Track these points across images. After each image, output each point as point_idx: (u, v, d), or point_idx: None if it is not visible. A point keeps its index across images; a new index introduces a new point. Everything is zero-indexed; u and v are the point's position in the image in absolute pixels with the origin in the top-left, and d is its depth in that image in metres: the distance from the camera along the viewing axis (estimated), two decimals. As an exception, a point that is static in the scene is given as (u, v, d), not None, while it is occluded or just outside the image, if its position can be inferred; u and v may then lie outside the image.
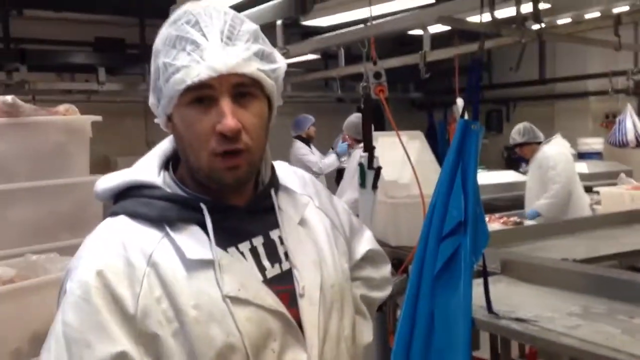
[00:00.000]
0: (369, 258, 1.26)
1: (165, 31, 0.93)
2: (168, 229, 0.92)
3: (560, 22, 3.53)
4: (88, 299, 0.87)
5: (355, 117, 4.83)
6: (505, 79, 6.76)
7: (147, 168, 1.00)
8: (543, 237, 3.27)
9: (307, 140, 5.83)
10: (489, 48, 6.35)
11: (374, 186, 2.59)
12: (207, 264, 0.91)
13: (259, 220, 1.00)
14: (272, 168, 1.07)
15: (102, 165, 6.75)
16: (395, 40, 6.40)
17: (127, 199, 0.97)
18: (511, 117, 7.76)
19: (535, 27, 2.62)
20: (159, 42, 0.93)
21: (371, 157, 2.60)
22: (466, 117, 2.80)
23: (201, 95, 0.89)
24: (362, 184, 2.59)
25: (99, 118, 2.24)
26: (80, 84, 6.58)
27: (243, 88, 0.91)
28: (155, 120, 0.99)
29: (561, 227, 3.50)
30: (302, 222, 1.05)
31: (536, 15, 2.14)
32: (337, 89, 5.27)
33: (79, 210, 2.20)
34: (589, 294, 2.12)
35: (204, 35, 0.89)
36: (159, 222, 0.93)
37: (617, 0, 4.60)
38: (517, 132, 4.48)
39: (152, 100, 0.97)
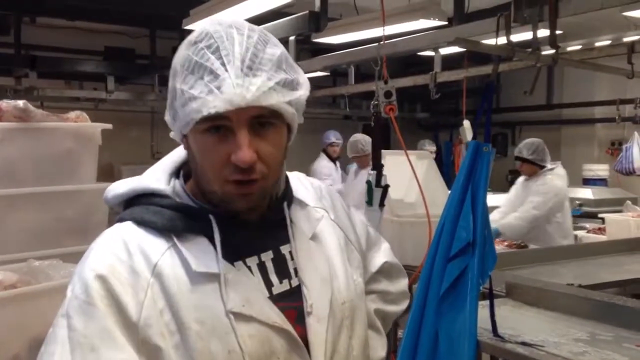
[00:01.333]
0: (385, 271, 1.24)
1: (184, 52, 0.90)
2: (175, 239, 0.91)
3: (570, 48, 3.55)
4: (92, 303, 0.86)
5: (353, 137, 4.90)
6: (513, 102, 6.78)
7: (158, 176, 0.99)
8: (547, 261, 3.25)
9: (331, 156, 5.89)
10: (498, 72, 6.39)
11: (381, 204, 2.58)
12: (213, 277, 0.90)
13: (269, 234, 0.99)
14: (287, 180, 1.05)
15: (106, 174, 6.76)
16: (402, 61, 6.43)
17: (135, 206, 0.96)
18: (517, 141, 7.75)
19: (548, 52, 2.63)
20: (177, 62, 0.91)
21: (379, 175, 2.59)
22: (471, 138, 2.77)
23: (217, 125, 0.88)
24: (369, 201, 2.59)
25: (109, 126, 2.25)
26: (89, 92, 6.62)
27: (262, 119, 0.89)
28: (171, 135, 0.98)
29: (566, 251, 3.48)
30: (315, 237, 1.03)
31: (552, 40, 2.15)
32: (345, 106, 5.30)
33: (85, 217, 2.20)
34: (595, 320, 2.10)
35: (223, 64, 0.86)
36: (166, 231, 0.92)
37: (628, 29, 4.63)
38: (527, 146, 4.26)
39: (167, 117, 0.95)
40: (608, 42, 3.84)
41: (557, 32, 2.50)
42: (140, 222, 0.93)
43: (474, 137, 2.10)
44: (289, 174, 1.08)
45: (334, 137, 5.91)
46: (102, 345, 0.84)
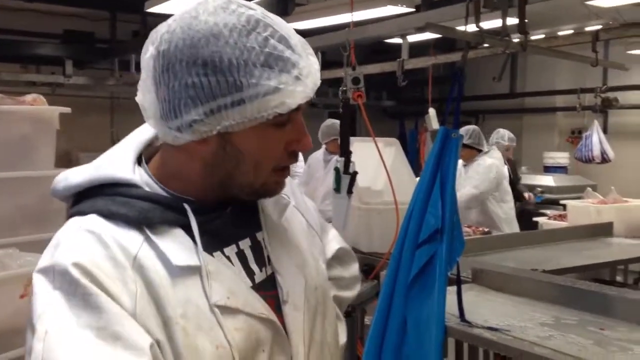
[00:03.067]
0: (339, 257, 1.23)
1: (237, 42, 0.80)
2: (148, 232, 0.85)
3: (533, 37, 3.58)
4: (91, 292, 0.78)
5: (327, 122, 4.86)
6: (476, 91, 6.85)
7: (121, 164, 0.90)
8: (511, 247, 3.30)
9: None
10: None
11: (349, 191, 2.57)
12: (194, 270, 0.85)
13: (244, 221, 0.95)
14: None
15: (63, 161, 6.55)
16: (369, 48, 6.42)
17: (96, 198, 0.87)
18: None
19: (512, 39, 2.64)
20: (226, 54, 0.80)
21: (347, 162, 2.58)
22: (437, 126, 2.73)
23: (289, 116, 0.86)
24: (337, 188, 2.57)
25: (67, 110, 2.17)
26: (46, 76, 6.41)
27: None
28: (168, 139, 0.87)
29: (529, 237, 3.54)
30: (285, 223, 1.00)
31: (522, 27, 2.15)
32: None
33: (43, 205, 2.12)
34: (559, 304, 2.13)
35: (297, 53, 0.84)
36: (138, 224, 0.85)
37: (589, 19, 4.72)
38: (464, 131, 4.53)
39: (192, 116, 0.82)
40: (571, 32, 3.90)
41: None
42: (108, 215, 0.84)
43: (442, 124, 2.09)
44: None
45: None
46: (124, 330, 0.76)
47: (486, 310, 2.11)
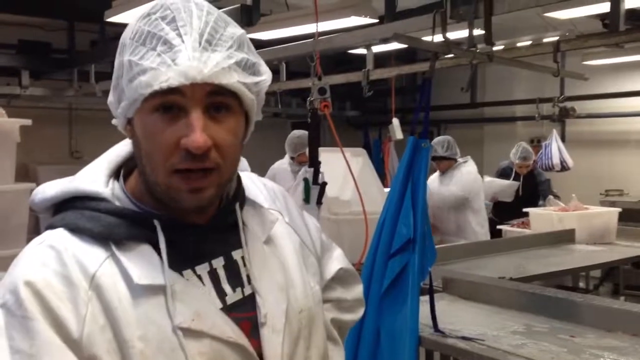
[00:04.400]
0: (340, 278, 1.15)
1: (136, 25, 0.81)
2: (114, 249, 0.81)
3: (495, 48, 3.65)
4: (32, 317, 0.75)
5: (295, 133, 4.78)
6: (438, 101, 6.95)
7: (93, 177, 0.87)
8: (477, 255, 3.34)
9: None
10: (423, 71, 6.53)
11: (319, 202, 2.55)
12: (158, 289, 0.80)
13: (220, 239, 0.90)
14: (239, 179, 0.96)
15: (21, 174, 6.35)
16: (332, 59, 6.45)
17: (68, 211, 0.85)
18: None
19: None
20: (126, 35, 0.82)
21: (316, 173, 2.56)
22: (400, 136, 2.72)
23: (169, 102, 0.78)
24: (307, 199, 2.55)
25: (28, 122, 2.09)
26: (1, 88, 6.20)
27: (218, 99, 0.80)
28: (113, 121, 0.87)
29: (494, 245, 3.59)
30: (269, 241, 0.95)
31: (488, 37, 2.18)
32: (276, 103, 5.22)
33: (2, 221, 2.03)
34: (529, 312, 2.16)
35: (179, 35, 0.78)
36: (104, 239, 0.81)
37: (546, 30, 4.84)
38: (440, 144, 4.53)
39: (111, 98, 0.85)
40: (529, 43, 3.99)
41: (481, 32, 2.56)
42: (74, 229, 0.82)
43: (412, 134, 2.10)
44: (240, 173, 0.99)
45: None
46: None
47: (458, 319, 2.12)
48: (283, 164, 4.91)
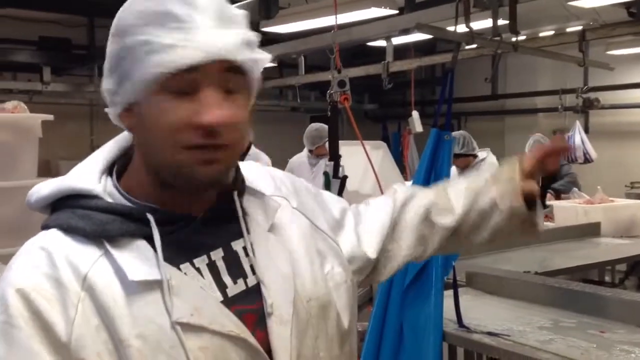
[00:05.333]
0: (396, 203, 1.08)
1: (140, 5, 0.79)
2: (108, 246, 0.79)
3: (513, 39, 3.59)
4: (14, 324, 0.75)
5: (314, 126, 4.74)
6: (458, 93, 6.87)
7: (86, 174, 0.85)
8: (501, 249, 3.28)
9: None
10: (443, 62, 6.46)
11: (339, 196, 2.52)
12: (154, 285, 0.78)
13: (218, 230, 0.87)
14: (237, 168, 0.93)
15: (43, 170, 6.41)
16: (350, 52, 6.40)
17: (61, 211, 0.83)
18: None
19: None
20: (129, 17, 0.79)
21: (337, 166, 2.53)
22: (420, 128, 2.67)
23: (185, 80, 0.76)
24: (327, 193, 2.52)
25: (50, 117, 2.10)
26: (23, 84, 6.28)
27: (232, 77, 0.79)
28: (106, 110, 0.85)
29: (518, 239, 3.53)
30: (273, 229, 0.91)
31: (513, 27, 2.13)
32: (295, 97, 5.23)
33: (25, 216, 2.04)
34: (556, 307, 2.11)
35: (191, 11, 0.77)
36: (97, 237, 0.80)
37: (568, 20, 4.75)
38: (454, 141, 4.39)
39: (108, 85, 0.82)
40: (551, 33, 3.92)
41: (504, 22, 2.51)
42: (67, 229, 0.80)
43: (434, 125, 2.07)
44: (242, 164, 0.97)
45: None
46: None
47: (483, 314, 2.08)
48: (301, 157, 4.89)
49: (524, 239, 1.15)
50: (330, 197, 1.08)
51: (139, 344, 0.75)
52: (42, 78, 5.99)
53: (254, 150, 5.69)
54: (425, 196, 1.10)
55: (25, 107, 2.05)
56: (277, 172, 1.05)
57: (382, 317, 2.07)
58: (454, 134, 4.51)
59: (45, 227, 0.83)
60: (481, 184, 1.09)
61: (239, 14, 0.82)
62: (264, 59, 0.85)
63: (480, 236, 1.09)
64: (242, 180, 0.92)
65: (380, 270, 1.07)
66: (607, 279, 3.72)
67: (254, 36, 0.83)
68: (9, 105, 2.01)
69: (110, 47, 0.81)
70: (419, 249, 1.09)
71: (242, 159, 0.90)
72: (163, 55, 0.75)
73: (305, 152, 4.88)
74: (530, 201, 1.05)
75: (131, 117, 0.82)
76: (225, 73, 0.78)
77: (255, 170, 1.00)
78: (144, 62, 0.76)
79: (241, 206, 0.90)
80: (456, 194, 1.09)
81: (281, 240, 0.91)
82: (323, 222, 0.99)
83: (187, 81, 0.77)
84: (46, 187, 0.85)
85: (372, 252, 1.03)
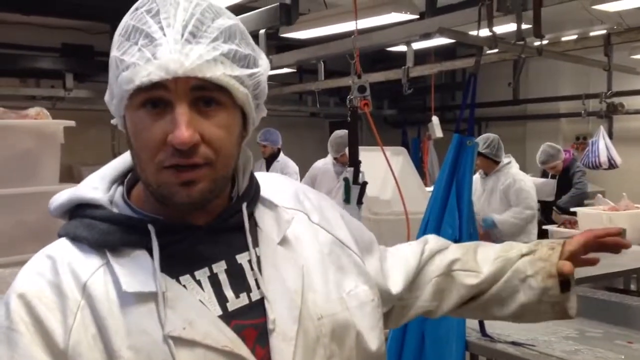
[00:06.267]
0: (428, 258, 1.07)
1: (124, 20, 0.79)
2: (109, 256, 0.79)
3: (536, 43, 3.55)
4: (16, 329, 0.76)
5: (337, 133, 4.69)
6: (478, 98, 6.82)
7: (95, 184, 0.86)
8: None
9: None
10: (464, 67, 6.41)
11: (359, 202, 2.51)
12: (149, 297, 0.77)
13: (223, 241, 0.85)
14: (252, 178, 0.92)
15: (65, 176, 6.47)
16: (370, 57, 6.39)
17: (72, 220, 0.85)
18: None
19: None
20: (117, 30, 0.80)
21: (357, 172, 2.52)
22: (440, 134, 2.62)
23: (152, 97, 0.76)
24: (347, 199, 2.51)
25: (72, 123, 2.11)
26: (46, 90, 6.36)
27: (205, 93, 0.76)
28: (112, 121, 0.86)
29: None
30: (285, 242, 0.88)
31: (537, 31, 2.10)
32: (315, 103, 5.21)
33: (48, 221, 2.03)
34: (581, 316, 2.06)
35: (162, 28, 0.75)
36: (100, 247, 0.80)
37: (591, 24, 4.68)
38: (483, 139, 4.20)
39: (107, 97, 0.84)
40: (574, 37, 3.86)
41: (525, 26, 2.47)
42: (74, 238, 0.82)
43: (457, 131, 2.04)
44: (262, 174, 0.96)
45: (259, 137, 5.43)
46: None
47: (506, 323, 2.03)
48: (327, 164, 4.84)
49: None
50: (362, 225, 1.05)
51: (129, 355, 0.74)
52: (65, 85, 6.07)
53: (282, 157, 5.69)
54: (453, 252, 1.08)
55: (48, 114, 2.06)
56: (299, 185, 1.02)
57: (403, 326, 2.04)
58: (483, 136, 4.35)
59: (59, 235, 0.84)
60: (513, 255, 1.05)
61: (220, 27, 0.78)
62: (256, 72, 0.81)
63: (504, 310, 1.05)
64: (256, 191, 0.91)
65: (390, 316, 1.05)
66: (633, 287, 3.65)
67: (242, 50, 0.80)
68: (32, 111, 2.03)
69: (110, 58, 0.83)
70: (434, 303, 1.06)
71: (270, 164, 0.89)
72: (127, 73, 0.75)
73: (329, 158, 4.84)
74: (565, 283, 1.01)
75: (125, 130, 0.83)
76: (197, 90, 0.76)
77: (278, 182, 0.98)
78: (118, 79, 0.77)
79: (252, 217, 0.88)
80: (484, 259, 1.07)
81: (293, 254, 0.88)
82: (350, 240, 0.96)
83: (156, 98, 0.76)
84: (62, 196, 0.87)
85: (395, 289, 1.01)
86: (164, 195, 0.79)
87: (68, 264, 0.79)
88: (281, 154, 5.49)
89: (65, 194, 0.86)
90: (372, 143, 2.85)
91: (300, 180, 4.92)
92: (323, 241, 0.92)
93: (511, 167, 4.26)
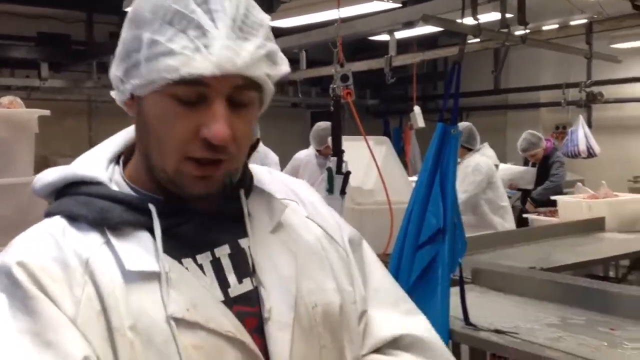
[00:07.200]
0: (406, 346, 0.92)
1: (161, 1, 0.75)
2: (109, 234, 0.77)
3: (518, 32, 3.55)
4: (32, 296, 0.72)
5: (320, 125, 4.65)
6: (460, 87, 6.83)
7: (92, 161, 0.84)
8: (504, 245, 3.25)
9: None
10: (445, 57, 6.41)
11: (342, 192, 2.49)
12: (152, 276, 0.76)
13: (224, 226, 0.84)
14: (246, 167, 0.90)
15: (40, 167, 6.34)
16: (351, 46, 6.35)
17: (64, 198, 0.82)
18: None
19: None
20: (145, 9, 0.76)
21: (340, 162, 2.50)
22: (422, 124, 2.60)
23: (192, 91, 0.74)
24: (330, 189, 2.49)
25: (47, 112, 2.05)
26: (21, 80, 6.23)
27: (243, 92, 0.76)
28: (112, 93, 0.83)
29: (522, 235, 3.50)
30: (278, 230, 0.88)
31: (522, 19, 2.09)
32: (297, 93, 5.16)
33: (22, 213, 2.00)
34: (563, 304, 2.07)
35: (212, 19, 0.73)
36: (98, 225, 0.78)
37: (571, 13, 4.70)
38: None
39: (116, 71, 0.80)
40: (555, 26, 3.87)
41: (507, 15, 2.46)
42: (70, 216, 0.79)
43: (440, 120, 2.03)
44: (253, 166, 0.94)
45: None
46: (57, 338, 0.70)
47: (489, 311, 2.04)
48: (309, 156, 4.82)
49: None
50: (341, 221, 1.00)
51: (131, 335, 0.73)
52: (40, 74, 5.94)
53: (262, 147, 5.64)
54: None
55: (22, 103, 2.01)
56: (292, 180, 1.01)
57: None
58: (463, 125, 4.29)
59: (48, 214, 0.81)
60: None
61: (262, 22, 0.77)
62: (282, 72, 0.81)
63: None
64: (250, 180, 0.90)
65: None
66: (612, 274, 3.69)
67: (275, 47, 0.79)
68: (5, 100, 1.97)
69: (124, 33, 0.78)
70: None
71: (249, 156, 0.87)
72: (171, 60, 0.72)
73: (312, 150, 4.81)
74: None
75: (132, 109, 0.81)
76: (238, 87, 0.75)
77: (268, 174, 0.97)
78: (154, 62, 0.74)
79: (246, 205, 0.87)
80: None
81: (286, 242, 0.87)
82: (339, 236, 0.95)
83: (194, 92, 0.74)
84: (52, 174, 0.84)
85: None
86: (177, 184, 0.78)
87: (69, 241, 0.76)
88: (261, 145, 5.45)
89: (55, 172, 0.83)
90: (354, 133, 2.83)
91: (281, 171, 4.89)
92: (315, 232, 0.92)
93: (481, 152, 4.26)
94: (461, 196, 3.99)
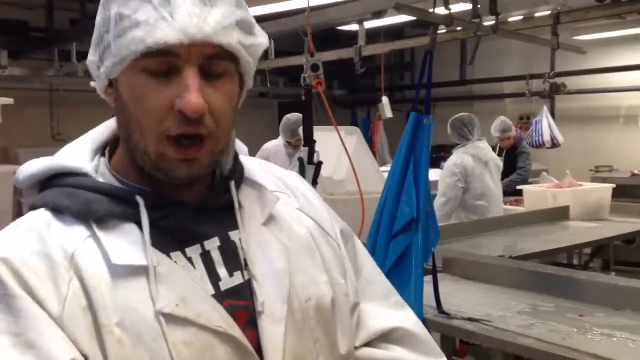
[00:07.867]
0: (400, 340, 0.92)
1: None
2: (95, 227, 0.75)
3: (486, 23, 3.58)
4: (14, 294, 0.69)
5: (290, 117, 4.60)
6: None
7: (77, 152, 0.82)
8: (472, 234, 3.30)
9: None
10: (413, 47, 6.44)
11: (314, 182, 2.47)
12: (140, 270, 0.74)
13: (214, 219, 0.82)
14: (236, 157, 0.89)
15: (1, 158, 6.17)
16: (319, 36, 6.32)
17: (49, 189, 0.79)
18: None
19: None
20: None
21: (311, 152, 2.48)
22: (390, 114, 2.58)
23: (162, 62, 0.72)
24: (302, 179, 2.47)
25: (9, 100, 1.98)
26: (-22, 68, 6.00)
27: (216, 61, 0.74)
28: (92, 84, 0.81)
29: (489, 224, 3.56)
30: (270, 223, 0.86)
31: (493, 8, 2.10)
32: (264, 82, 5.10)
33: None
34: (533, 291, 2.12)
35: None
36: (83, 217, 0.75)
37: (536, 5, 4.76)
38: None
39: (92, 57, 0.78)
40: (520, 17, 3.92)
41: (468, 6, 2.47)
42: (54, 208, 0.76)
43: (412, 109, 2.03)
44: (243, 157, 0.92)
45: None
46: (40, 338, 0.68)
47: (461, 300, 2.07)
48: (278, 146, 4.76)
49: None
50: (333, 214, 0.98)
51: (118, 331, 0.70)
52: (-1, 62, 5.74)
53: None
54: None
55: (-17, 90, 1.92)
56: (283, 171, 0.99)
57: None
58: (451, 121, 4.20)
59: (34, 207, 0.78)
60: None
61: None
62: (260, 43, 0.79)
63: None
64: (241, 171, 0.88)
65: None
66: (575, 261, 3.78)
67: (248, 17, 0.77)
68: (-35, 87, 1.89)
69: (97, 17, 0.77)
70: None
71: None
72: (136, 32, 0.70)
73: (280, 140, 4.76)
74: None
75: (111, 95, 0.78)
76: (209, 56, 0.73)
77: (256, 163, 0.95)
78: (122, 37, 0.72)
79: (237, 197, 0.85)
80: None
81: (278, 234, 0.85)
82: (331, 228, 0.93)
83: (165, 63, 0.72)
84: (35, 165, 0.81)
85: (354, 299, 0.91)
86: (161, 168, 0.76)
87: (54, 235, 0.74)
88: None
89: (38, 163, 0.81)
90: (324, 123, 2.81)
91: None
92: (308, 225, 0.90)
93: (462, 150, 4.09)
94: (440, 199, 3.85)
